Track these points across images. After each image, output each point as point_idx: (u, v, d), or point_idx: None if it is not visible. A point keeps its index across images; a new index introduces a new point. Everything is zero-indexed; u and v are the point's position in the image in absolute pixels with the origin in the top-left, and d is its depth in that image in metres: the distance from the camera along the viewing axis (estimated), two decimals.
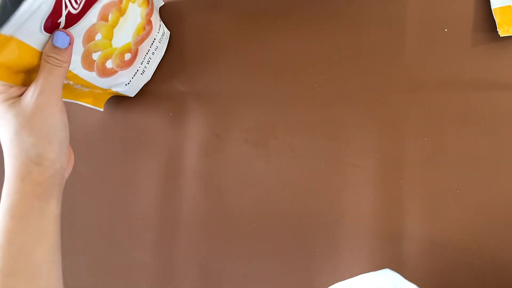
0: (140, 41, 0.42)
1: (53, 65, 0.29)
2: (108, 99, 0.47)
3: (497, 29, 0.42)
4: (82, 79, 0.38)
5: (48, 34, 0.30)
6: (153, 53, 0.45)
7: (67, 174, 0.34)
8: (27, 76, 0.31)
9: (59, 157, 0.31)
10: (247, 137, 0.45)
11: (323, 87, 0.45)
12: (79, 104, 0.43)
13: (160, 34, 0.45)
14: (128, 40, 0.40)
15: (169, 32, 0.47)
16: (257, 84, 0.45)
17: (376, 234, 0.44)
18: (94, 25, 0.34)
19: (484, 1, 0.43)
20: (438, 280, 0.42)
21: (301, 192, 0.45)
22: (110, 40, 0.37)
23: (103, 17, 0.35)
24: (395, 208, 0.44)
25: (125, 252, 0.45)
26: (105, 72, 0.40)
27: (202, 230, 0.46)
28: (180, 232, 0.46)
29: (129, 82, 0.44)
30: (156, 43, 0.44)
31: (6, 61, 0.29)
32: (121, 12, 0.37)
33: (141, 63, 0.44)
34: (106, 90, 0.43)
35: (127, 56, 0.41)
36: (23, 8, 0.27)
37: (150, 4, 0.42)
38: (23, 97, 0.29)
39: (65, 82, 0.37)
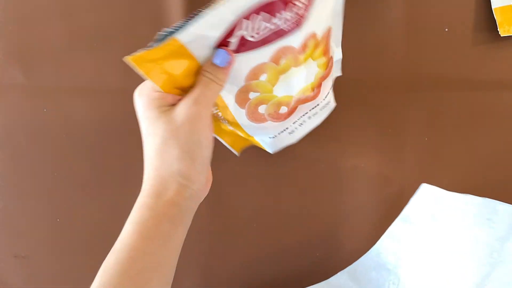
0: (303, 100, 0.38)
1: (210, 79, 0.28)
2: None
3: (498, 29, 0.42)
4: (231, 114, 0.36)
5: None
6: (309, 118, 0.41)
7: (200, 199, 0.32)
8: (184, 88, 0.30)
9: (199, 177, 0.29)
10: None
11: None
12: (77, 105, 0.43)
13: (325, 102, 0.41)
14: (291, 94, 0.36)
15: (335, 104, 0.43)
16: None
17: (376, 235, 0.44)
18: (263, 64, 0.32)
19: (484, 0, 0.43)
20: None
21: (301, 192, 0.45)
22: (273, 85, 0.34)
23: (275, 59, 0.32)
24: (395, 209, 0.44)
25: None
26: (254, 116, 0.36)
27: (202, 230, 0.46)
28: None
29: (274, 136, 0.40)
30: (317, 109, 0.40)
31: (173, 71, 0.28)
32: (296, 63, 0.33)
33: (294, 123, 0.40)
34: (249, 136, 0.40)
35: (283, 109, 0.37)
36: (207, 18, 0.27)
37: (328, 68, 0.38)
38: (177, 105, 0.28)
39: (215, 111, 0.36)
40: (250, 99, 0.34)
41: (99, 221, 0.46)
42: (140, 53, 0.27)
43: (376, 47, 0.44)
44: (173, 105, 0.29)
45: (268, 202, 0.45)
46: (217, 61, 0.28)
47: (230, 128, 0.39)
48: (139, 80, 0.30)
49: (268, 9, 0.29)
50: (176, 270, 0.46)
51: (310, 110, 0.40)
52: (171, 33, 0.27)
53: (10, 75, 0.46)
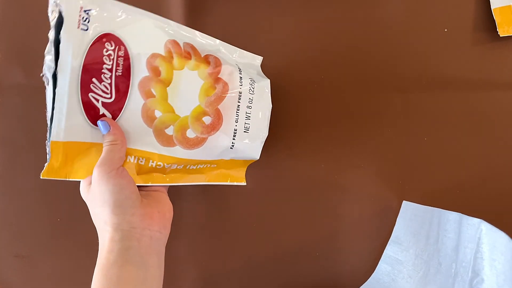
0: (215, 101, 0.37)
1: (108, 145, 0.33)
2: None
3: (497, 29, 0.42)
4: (173, 157, 0.37)
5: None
6: (248, 107, 0.39)
7: (162, 236, 0.35)
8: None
9: (123, 218, 0.32)
10: None
11: (323, 87, 0.45)
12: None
13: (247, 88, 0.39)
14: (195, 105, 0.37)
15: (268, 80, 0.41)
16: None
17: (376, 235, 0.44)
18: (144, 104, 0.35)
19: (484, 1, 0.43)
20: None
21: (301, 192, 0.45)
22: (173, 112, 0.36)
23: (148, 94, 0.35)
24: (395, 208, 0.44)
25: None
26: (190, 143, 0.37)
27: (202, 231, 0.46)
28: (180, 233, 0.46)
29: (232, 145, 0.39)
30: (245, 96, 0.39)
31: (76, 162, 0.34)
32: (165, 83, 0.35)
33: (236, 121, 0.39)
34: (226, 161, 0.40)
35: (207, 119, 0.37)
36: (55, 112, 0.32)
37: (213, 63, 0.38)
38: None
39: (155, 165, 0.37)
40: (172, 134, 0.36)
41: None
42: (46, 168, 0.34)
43: (376, 47, 0.44)
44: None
45: (268, 202, 0.45)
46: (102, 131, 0.33)
47: (200, 166, 0.39)
48: None
49: (90, 71, 0.33)
50: (176, 270, 0.46)
51: (239, 101, 0.39)
52: (49, 138, 0.33)
53: (10, 75, 0.46)
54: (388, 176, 0.44)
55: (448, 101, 0.44)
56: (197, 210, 0.46)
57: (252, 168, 0.43)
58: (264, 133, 0.41)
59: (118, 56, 0.33)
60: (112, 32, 0.33)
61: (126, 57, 0.34)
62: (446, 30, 0.44)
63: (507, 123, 0.43)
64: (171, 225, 0.43)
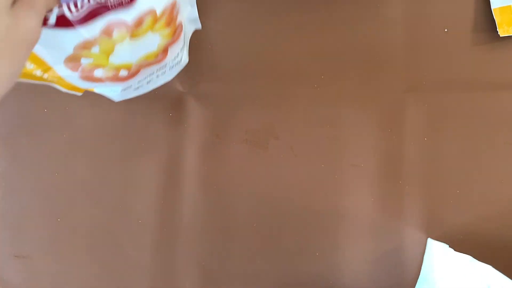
0: (146, 64, 0.37)
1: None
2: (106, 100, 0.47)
3: (497, 29, 0.42)
4: (58, 75, 0.34)
5: None
6: (157, 76, 0.41)
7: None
8: None
9: None
10: (247, 137, 0.45)
11: (323, 87, 0.45)
12: (77, 105, 0.43)
13: (175, 62, 0.41)
14: (130, 61, 0.36)
15: (187, 60, 0.42)
16: (257, 85, 0.45)
17: (376, 231, 0.44)
18: (93, 39, 0.31)
19: (484, 1, 0.43)
20: None
21: (301, 192, 0.45)
22: (108, 55, 0.34)
23: (107, 32, 0.31)
24: (394, 205, 0.44)
25: (125, 253, 0.45)
26: (90, 78, 0.36)
27: (202, 230, 0.46)
28: (180, 233, 0.46)
29: (115, 91, 0.40)
30: (165, 68, 0.40)
31: None
32: (132, 34, 0.33)
33: (139, 82, 0.40)
34: (86, 88, 0.39)
35: (123, 72, 0.37)
36: None
37: (176, 35, 0.37)
38: None
39: (40, 74, 0.34)
40: (82, 64, 0.33)
41: (99, 221, 0.46)
42: None
43: (376, 47, 0.44)
44: None
45: (268, 202, 0.45)
46: None
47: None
48: None
49: None
50: (176, 270, 0.46)
51: (157, 71, 0.40)
52: None
53: None
54: (387, 175, 0.44)
55: (447, 101, 0.44)
56: (197, 210, 0.46)
57: (253, 168, 0.43)
58: (139, 93, 0.41)
59: None
60: None
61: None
62: (446, 30, 0.44)
63: (508, 123, 0.43)
64: (171, 225, 0.43)
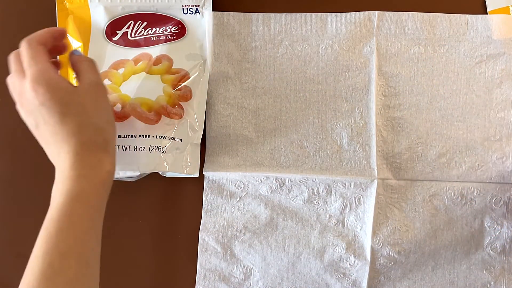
0: (137, 113, 0.39)
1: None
2: None
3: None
4: None
5: None
6: (135, 149, 0.41)
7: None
8: None
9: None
10: None
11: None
12: None
13: (156, 146, 0.41)
14: (130, 95, 0.39)
15: (193, 174, 0.43)
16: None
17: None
18: (127, 60, 0.40)
19: (481, 2, 0.44)
20: None
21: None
22: (123, 80, 0.40)
23: (136, 60, 0.40)
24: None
25: (125, 252, 0.45)
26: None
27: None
28: (180, 232, 0.46)
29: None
30: (147, 143, 0.41)
31: None
32: (149, 70, 0.39)
33: (125, 136, 0.41)
34: None
35: (117, 107, 0.39)
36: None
37: (175, 102, 0.40)
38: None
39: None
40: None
41: None
42: None
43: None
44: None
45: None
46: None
47: None
48: None
49: (152, 20, 0.39)
50: (175, 270, 0.46)
51: (140, 137, 0.39)
52: None
53: None
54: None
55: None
56: (196, 210, 0.46)
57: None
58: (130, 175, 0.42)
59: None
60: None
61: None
62: None
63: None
64: (171, 224, 0.43)
